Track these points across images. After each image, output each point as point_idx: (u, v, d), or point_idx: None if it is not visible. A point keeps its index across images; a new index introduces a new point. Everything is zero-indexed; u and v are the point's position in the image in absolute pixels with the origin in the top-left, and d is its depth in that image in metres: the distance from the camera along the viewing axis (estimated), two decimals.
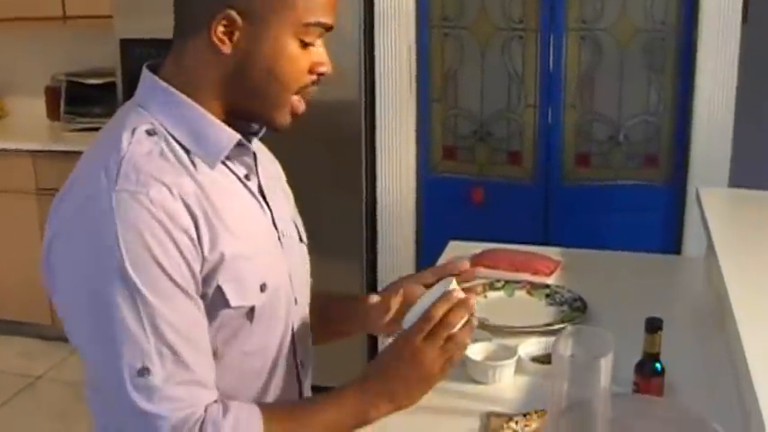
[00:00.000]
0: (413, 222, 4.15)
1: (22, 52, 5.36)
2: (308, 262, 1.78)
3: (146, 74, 1.51)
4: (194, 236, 1.39)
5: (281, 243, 1.62)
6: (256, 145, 1.64)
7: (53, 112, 5.09)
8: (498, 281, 2.48)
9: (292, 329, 1.65)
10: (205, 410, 1.38)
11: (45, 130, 5.10)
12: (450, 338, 1.47)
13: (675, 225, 3.83)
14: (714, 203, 2.62)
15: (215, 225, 1.42)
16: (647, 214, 3.88)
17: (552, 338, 2.06)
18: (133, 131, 1.42)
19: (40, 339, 4.78)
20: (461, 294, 1.51)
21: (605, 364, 1.04)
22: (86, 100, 4.85)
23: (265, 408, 1.46)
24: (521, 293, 2.43)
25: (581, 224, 3.83)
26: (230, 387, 1.50)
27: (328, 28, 1.51)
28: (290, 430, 1.46)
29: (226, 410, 1.40)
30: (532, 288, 2.44)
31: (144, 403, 1.33)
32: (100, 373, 1.40)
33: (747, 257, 2.20)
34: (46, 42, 5.18)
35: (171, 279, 1.36)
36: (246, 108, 1.52)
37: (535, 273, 2.56)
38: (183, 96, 1.47)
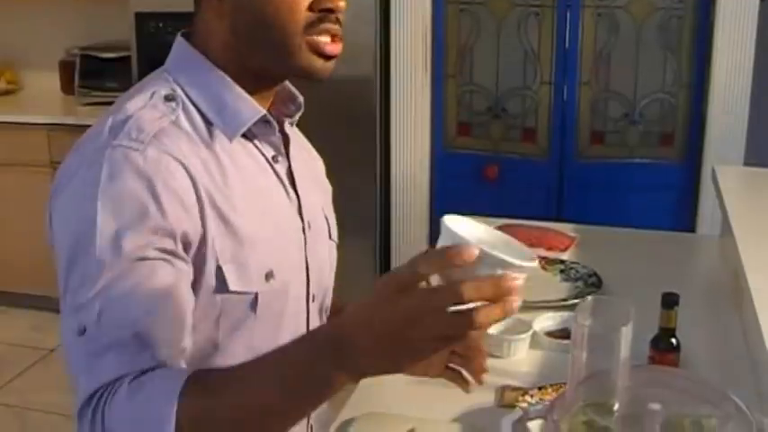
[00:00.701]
0: (427, 198, 4.15)
1: (37, 26, 5.35)
2: (334, 260, 1.68)
3: (178, 40, 1.46)
4: (190, 203, 1.30)
5: (304, 235, 1.52)
6: (293, 132, 1.57)
7: (67, 86, 5.09)
8: None
9: (307, 325, 1.55)
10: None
11: (59, 104, 5.10)
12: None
13: (690, 203, 3.83)
14: (730, 182, 2.61)
15: (220, 200, 1.35)
16: (662, 192, 3.87)
17: (567, 313, 2.09)
18: (152, 95, 1.37)
19: (53, 312, 4.76)
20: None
21: (625, 334, 1.04)
22: (101, 74, 4.85)
23: (189, 376, 1.19)
24: (534, 265, 2.42)
25: (595, 201, 3.83)
26: None
27: None
28: (210, 402, 1.16)
29: (136, 381, 1.21)
30: (547, 263, 2.44)
31: (75, 358, 1.25)
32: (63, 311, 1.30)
33: (763, 236, 2.20)
34: (61, 16, 5.17)
35: (150, 247, 1.25)
36: (262, 65, 1.41)
37: (550, 248, 2.56)
38: (206, 61, 1.41)
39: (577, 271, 2.38)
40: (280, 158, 1.49)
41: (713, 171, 2.74)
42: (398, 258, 4.17)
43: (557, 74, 3.85)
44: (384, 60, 4.00)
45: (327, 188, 1.74)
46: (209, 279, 1.34)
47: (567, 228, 2.76)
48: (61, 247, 1.30)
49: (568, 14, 3.77)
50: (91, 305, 1.22)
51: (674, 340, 1.74)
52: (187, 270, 1.30)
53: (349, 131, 4.06)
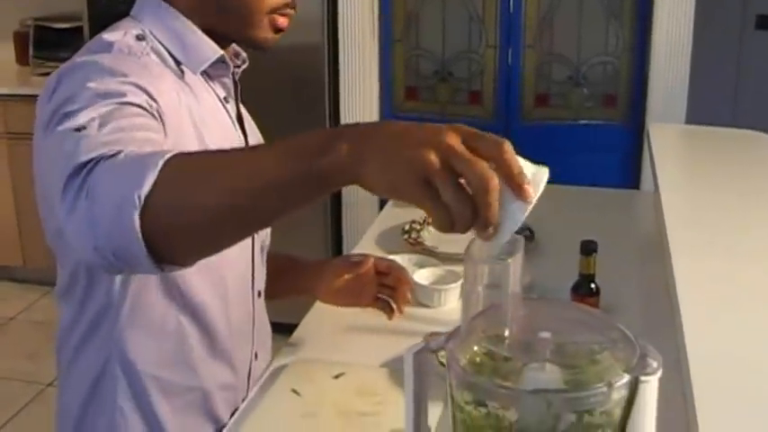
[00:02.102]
0: None
1: None
2: None
3: None
4: (174, 106, 1.41)
5: None
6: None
7: (22, 57, 5.10)
8: None
9: (252, 254, 1.68)
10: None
11: (14, 75, 5.11)
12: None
13: (633, 163, 3.92)
14: (663, 139, 2.68)
15: (199, 122, 1.48)
16: (607, 153, 3.96)
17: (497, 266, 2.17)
18: (125, 33, 1.48)
19: (13, 282, 4.83)
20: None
21: (513, 265, 1.11)
22: (55, 44, 4.86)
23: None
24: None
25: (541, 162, 3.89)
26: (192, 292, 1.52)
27: None
28: (200, 160, 1.13)
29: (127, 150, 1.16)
30: None
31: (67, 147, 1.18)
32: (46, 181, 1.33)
33: (689, 191, 2.27)
34: None
35: (135, 92, 1.31)
36: (224, 29, 1.56)
37: None
38: (173, 9, 1.53)
39: None
40: (230, 100, 1.63)
41: (647, 129, 2.82)
42: (347, 222, 4.25)
43: (501, 38, 3.91)
44: (332, 27, 4.05)
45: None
46: None
47: None
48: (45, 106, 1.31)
49: None
50: (86, 111, 1.22)
51: (593, 285, 1.83)
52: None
53: (298, 98, 4.11)
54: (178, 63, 1.53)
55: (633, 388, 1.06)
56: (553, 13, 3.85)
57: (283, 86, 4.06)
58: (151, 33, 1.52)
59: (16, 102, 4.65)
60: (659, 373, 1.09)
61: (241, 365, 1.68)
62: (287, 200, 1.04)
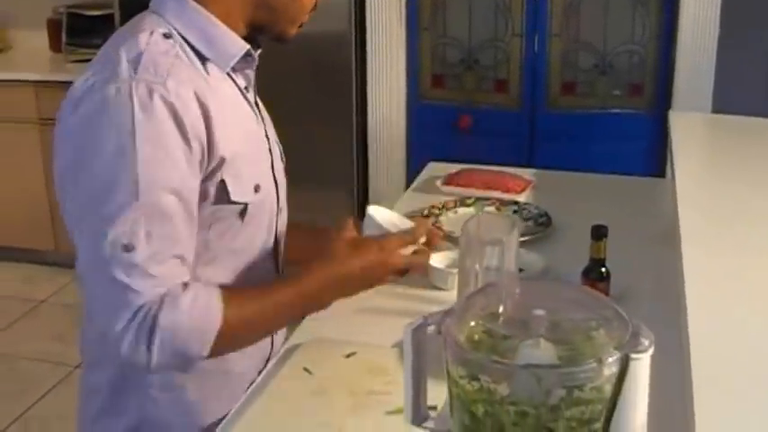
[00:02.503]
0: (403, 149, 4.25)
1: None
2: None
3: None
4: (203, 128, 1.49)
5: (270, 154, 1.74)
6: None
7: (55, 44, 5.18)
8: (469, 198, 2.58)
9: (276, 235, 1.76)
10: (176, 290, 1.45)
11: (47, 62, 5.18)
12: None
13: (659, 152, 3.91)
14: (683, 127, 2.69)
15: (222, 125, 1.52)
16: (632, 142, 3.96)
17: None
18: (151, 33, 1.52)
19: (43, 265, 4.91)
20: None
21: (509, 243, 1.14)
22: (87, 31, 4.92)
23: (225, 289, 1.53)
24: (490, 209, 2.52)
25: (566, 151, 3.91)
26: (217, 279, 1.60)
27: None
28: (246, 310, 1.55)
29: (186, 287, 1.47)
30: (501, 205, 2.54)
31: (123, 277, 1.41)
32: (88, 247, 1.46)
33: (705, 180, 2.28)
34: None
35: (173, 160, 1.45)
36: (270, 22, 1.64)
37: (506, 191, 2.65)
38: (195, 4, 1.57)
39: (529, 211, 2.48)
40: (249, 89, 1.70)
41: (669, 117, 2.83)
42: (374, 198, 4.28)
43: (527, 26, 3.93)
44: (359, 15, 4.08)
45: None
46: (213, 192, 1.54)
47: (526, 172, 2.85)
48: (80, 166, 1.45)
49: None
50: (135, 226, 1.41)
51: (603, 270, 1.85)
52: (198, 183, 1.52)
53: (326, 85, 4.15)
54: (204, 60, 1.57)
55: (624, 365, 1.08)
56: (579, 2, 3.85)
57: (311, 74, 4.11)
58: (176, 30, 1.56)
59: (49, 88, 4.71)
60: (651, 351, 1.11)
61: (264, 344, 1.76)
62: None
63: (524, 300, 1.16)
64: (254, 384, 1.69)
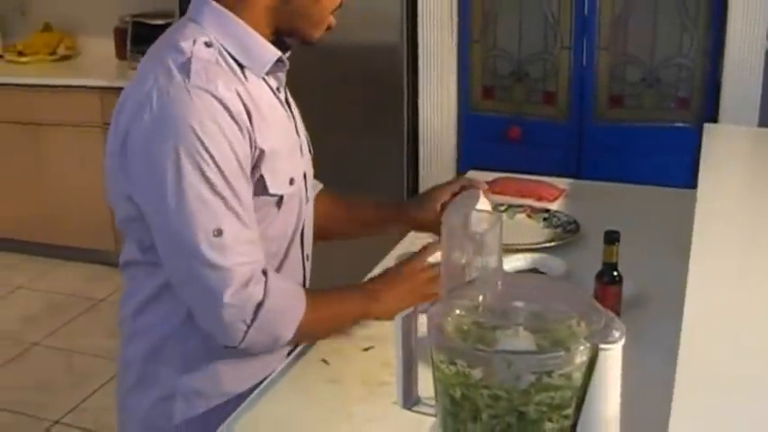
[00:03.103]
0: (453, 159, 4.33)
1: None
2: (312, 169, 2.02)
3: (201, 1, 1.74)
4: (249, 129, 1.64)
5: (300, 150, 1.87)
6: None
7: (121, 52, 5.37)
8: (502, 204, 2.65)
9: (303, 224, 1.90)
10: (264, 272, 1.66)
11: (113, 68, 5.37)
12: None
13: None
14: (715, 140, 2.72)
15: (261, 124, 1.67)
16: (679, 154, 3.98)
17: (538, 255, 2.27)
18: (194, 42, 1.65)
19: (105, 265, 5.08)
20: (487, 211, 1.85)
21: (491, 236, 1.22)
22: (149, 39, 5.04)
23: (305, 290, 1.79)
24: (521, 216, 2.60)
25: (613, 163, 3.96)
26: None
27: None
28: (320, 308, 1.77)
29: (279, 278, 1.71)
30: (533, 212, 2.61)
31: (219, 259, 1.59)
32: (174, 239, 1.63)
33: (727, 192, 2.30)
34: None
35: (236, 158, 1.61)
36: (292, 27, 1.75)
37: (539, 198, 2.73)
38: (230, 14, 1.70)
39: (559, 219, 2.55)
40: (281, 89, 1.82)
41: (702, 128, 2.87)
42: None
43: (576, 39, 3.98)
44: (411, 27, 4.17)
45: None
46: (255, 185, 1.70)
47: (559, 181, 2.91)
48: (156, 172, 1.59)
49: None
50: (220, 215, 1.60)
51: (615, 273, 1.91)
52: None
53: (378, 96, 4.25)
54: (241, 66, 1.70)
55: (593, 354, 1.16)
56: (627, 16, 3.90)
57: (363, 84, 4.21)
58: (215, 39, 1.68)
59: (113, 94, 4.84)
60: (621, 342, 1.18)
61: None
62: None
63: (506, 292, 1.23)
64: (275, 372, 1.78)
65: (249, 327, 1.62)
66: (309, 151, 1.98)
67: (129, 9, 5.31)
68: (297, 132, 1.87)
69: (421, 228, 2.20)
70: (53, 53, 5.66)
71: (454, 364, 1.16)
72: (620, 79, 3.99)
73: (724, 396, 1.29)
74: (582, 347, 1.14)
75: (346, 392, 1.69)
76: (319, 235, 2.05)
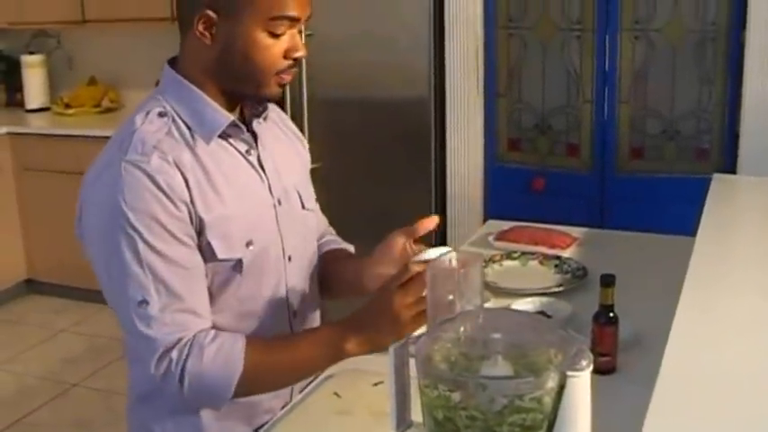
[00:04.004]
0: (480, 210, 4.46)
1: (137, 50, 5.89)
2: (309, 225, 2.07)
3: (165, 68, 1.86)
4: (187, 197, 1.70)
5: (275, 209, 1.91)
6: (265, 127, 1.96)
7: None
8: (515, 252, 2.78)
9: (286, 282, 1.95)
10: (194, 336, 1.71)
11: None
12: (423, 297, 1.60)
13: None
14: (723, 189, 2.84)
15: (206, 190, 1.74)
16: (698, 205, 4.08)
17: (546, 299, 2.39)
18: (147, 113, 1.77)
19: None
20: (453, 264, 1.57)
21: (472, 278, 1.36)
22: None
23: (250, 338, 1.76)
24: (533, 263, 2.73)
25: (635, 212, 4.07)
26: (227, 324, 1.82)
27: (295, 19, 1.76)
28: (267, 360, 1.76)
29: (214, 337, 1.72)
30: (545, 259, 2.74)
31: (144, 329, 1.68)
32: (115, 308, 1.74)
33: (724, 240, 2.43)
34: (156, 40, 5.61)
35: (166, 230, 1.68)
36: (236, 89, 1.81)
37: (552, 246, 2.85)
38: (187, 83, 1.79)
39: (569, 265, 2.67)
40: (252, 151, 1.88)
41: (710, 179, 2.98)
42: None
43: (597, 93, 4.12)
44: (439, 82, 4.34)
45: (306, 161, 2.13)
46: (204, 250, 1.76)
47: (572, 230, 3.03)
48: (96, 242, 1.74)
49: (607, 38, 4.04)
50: (145, 283, 1.68)
51: (612, 314, 2.03)
52: (193, 241, 1.74)
53: (407, 148, 4.41)
54: (192, 132, 1.77)
55: (562, 381, 1.28)
56: (646, 70, 4.03)
57: (392, 136, 4.38)
58: (172, 107, 1.79)
59: None
60: (589, 370, 1.31)
61: None
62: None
63: (486, 325, 1.37)
64: (288, 405, 1.92)
65: (182, 389, 1.70)
66: (304, 207, 2.02)
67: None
68: (270, 193, 1.91)
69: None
70: (98, 105, 5.91)
71: (437, 388, 1.29)
72: (641, 131, 4.12)
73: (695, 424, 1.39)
74: (552, 374, 1.27)
75: (355, 423, 1.82)
76: (327, 294, 2.14)
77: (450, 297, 1.38)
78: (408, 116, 4.36)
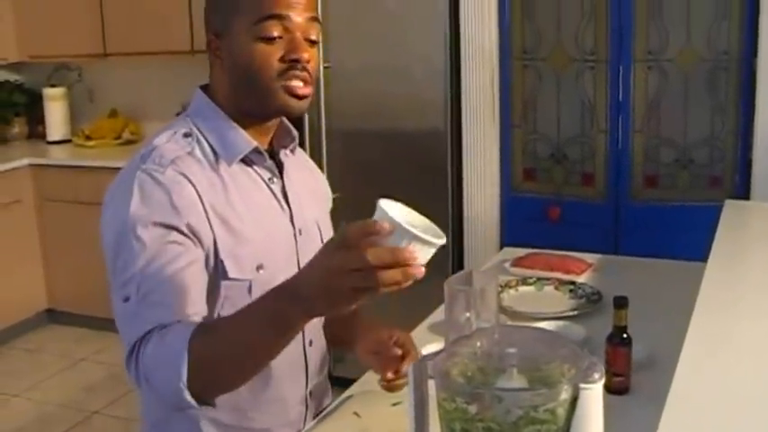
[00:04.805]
0: (496, 239, 4.50)
1: (156, 82, 6.01)
2: None
3: (197, 92, 1.93)
4: (198, 212, 1.73)
5: (295, 239, 1.95)
6: (293, 158, 2.02)
7: None
8: (531, 277, 2.83)
9: None
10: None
11: None
12: (363, 269, 1.28)
13: None
14: (733, 215, 2.88)
15: (223, 209, 1.78)
16: (712, 232, 4.12)
17: (562, 322, 2.43)
18: (174, 133, 1.84)
19: None
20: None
21: (488, 295, 1.40)
22: None
23: (198, 325, 1.61)
24: (549, 288, 2.77)
25: (649, 240, 4.10)
26: None
27: (282, 17, 1.76)
28: (210, 341, 1.56)
29: (162, 332, 1.61)
30: (560, 284, 2.78)
31: (122, 321, 1.68)
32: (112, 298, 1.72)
33: (734, 266, 2.47)
34: (176, 73, 5.73)
35: (167, 240, 1.69)
36: (251, 106, 1.83)
37: (567, 272, 2.89)
38: (215, 106, 1.87)
39: (584, 290, 2.71)
40: (275, 180, 1.93)
41: (724, 205, 3.02)
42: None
43: (612, 122, 4.17)
44: (455, 113, 4.40)
45: (327, 198, 2.19)
46: (216, 269, 1.78)
47: (587, 256, 3.07)
48: (107, 245, 1.76)
49: (621, 68, 4.09)
50: (132, 281, 1.67)
51: (625, 336, 2.07)
52: (199, 253, 1.75)
53: (424, 178, 4.46)
54: (216, 154, 1.83)
55: (575, 393, 1.33)
56: (659, 99, 4.08)
57: (409, 167, 4.43)
58: (198, 129, 1.85)
59: None
60: (601, 383, 1.36)
61: (292, 407, 2.00)
62: (278, 346, 1.54)
63: (502, 340, 1.41)
64: (310, 424, 1.96)
65: (138, 380, 1.63)
66: (322, 242, 1.98)
67: (190, 96, 5.57)
68: (291, 223, 1.94)
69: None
70: (118, 137, 6.00)
71: (454, 401, 1.33)
72: (655, 160, 4.17)
73: None
74: (566, 386, 1.31)
75: None
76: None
77: (467, 315, 1.42)
78: (425, 147, 4.42)
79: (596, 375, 1.34)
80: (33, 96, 6.34)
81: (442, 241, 1.33)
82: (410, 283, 1.29)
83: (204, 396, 1.58)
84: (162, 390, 1.58)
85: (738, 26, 3.94)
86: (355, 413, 1.98)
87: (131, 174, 1.75)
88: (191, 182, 1.76)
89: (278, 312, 1.45)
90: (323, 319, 2.08)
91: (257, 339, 1.51)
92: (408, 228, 1.28)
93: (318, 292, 1.35)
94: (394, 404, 2.01)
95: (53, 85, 6.21)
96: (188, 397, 1.55)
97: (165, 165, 1.75)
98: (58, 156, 5.91)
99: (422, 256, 1.29)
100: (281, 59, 1.78)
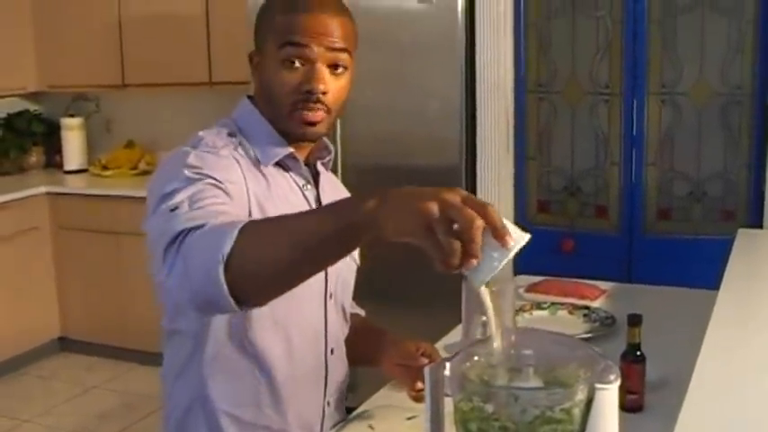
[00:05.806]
0: (510, 270, 4.51)
1: (174, 113, 6.06)
2: (353, 271, 2.15)
3: (243, 99, 1.99)
4: (244, 194, 1.78)
5: None
6: (329, 176, 2.10)
7: None
8: (545, 302, 2.84)
9: (326, 318, 2.01)
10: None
11: None
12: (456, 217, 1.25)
13: None
14: (746, 243, 2.90)
15: (264, 201, 1.83)
16: (725, 265, 4.13)
17: None
18: (218, 131, 1.90)
19: None
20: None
21: (504, 300, 1.42)
22: None
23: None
24: (563, 313, 2.79)
25: (662, 273, 4.10)
26: (261, 347, 1.89)
27: (301, 45, 1.82)
28: (265, 222, 1.56)
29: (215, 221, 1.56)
30: (574, 309, 2.80)
31: (168, 223, 1.59)
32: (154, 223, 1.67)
33: (746, 293, 2.50)
34: (194, 104, 5.80)
35: (220, 187, 1.70)
36: (276, 121, 1.91)
37: (582, 297, 2.91)
38: (256, 111, 1.94)
39: (598, 314, 2.73)
40: (309, 187, 1.99)
41: (737, 234, 3.04)
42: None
43: (625, 155, 4.20)
44: (470, 147, 4.42)
45: None
46: None
47: (600, 283, 3.09)
48: (154, 186, 1.73)
49: (635, 101, 4.14)
50: (183, 192, 1.64)
51: (639, 353, 2.09)
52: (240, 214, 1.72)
53: None
54: (255, 156, 1.90)
55: (591, 393, 1.34)
56: (673, 133, 4.11)
57: None
58: (240, 132, 1.91)
59: None
60: (616, 384, 1.37)
61: (310, 413, 2.02)
62: (330, 250, 1.41)
63: (518, 342, 1.43)
64: None
65: (172, 267, 1.53)
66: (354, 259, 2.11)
67: (207, 126, 5.63)
68: None
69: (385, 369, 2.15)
70: (135, 168, 6.05)
71: (471, 400, 1.35)
72: (668, 193, 4.19)
73: None
74: (581, 386, 1.33)
75: None
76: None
77: (484, 318, 1.44)
78: (440, 182, 4.43)
79: (612, 377, 1.36)
80: (51, 126, 6.41)
81: (526, 239, 1.41)
82: (457, 269, 1.31)
83: (236, 283, 1.41)
84: (196, 266, 1.45)
85: (751, 61, 3.98)
86: (370, 426, 2.00)
87: (184, 151, 1.79)
88: (240, 167, 1.83)
89: (345, 205, 1.42)
90: (346, 332, 2.12)
91: (313, 228, 1.40)
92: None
93: (398, 206, 1.30)
94: (409, 418, 2.02)
95: (71, 115, 6.29)
96: (221, 274, 1.40)
97: (219, 146, 1.83)
98: (75, 184, 5.96)
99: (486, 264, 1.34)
100: (298, 88, 1.84)
